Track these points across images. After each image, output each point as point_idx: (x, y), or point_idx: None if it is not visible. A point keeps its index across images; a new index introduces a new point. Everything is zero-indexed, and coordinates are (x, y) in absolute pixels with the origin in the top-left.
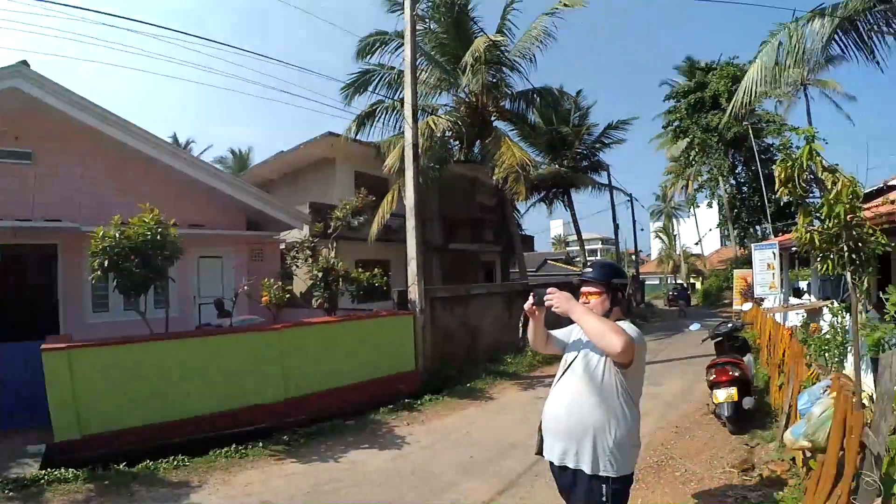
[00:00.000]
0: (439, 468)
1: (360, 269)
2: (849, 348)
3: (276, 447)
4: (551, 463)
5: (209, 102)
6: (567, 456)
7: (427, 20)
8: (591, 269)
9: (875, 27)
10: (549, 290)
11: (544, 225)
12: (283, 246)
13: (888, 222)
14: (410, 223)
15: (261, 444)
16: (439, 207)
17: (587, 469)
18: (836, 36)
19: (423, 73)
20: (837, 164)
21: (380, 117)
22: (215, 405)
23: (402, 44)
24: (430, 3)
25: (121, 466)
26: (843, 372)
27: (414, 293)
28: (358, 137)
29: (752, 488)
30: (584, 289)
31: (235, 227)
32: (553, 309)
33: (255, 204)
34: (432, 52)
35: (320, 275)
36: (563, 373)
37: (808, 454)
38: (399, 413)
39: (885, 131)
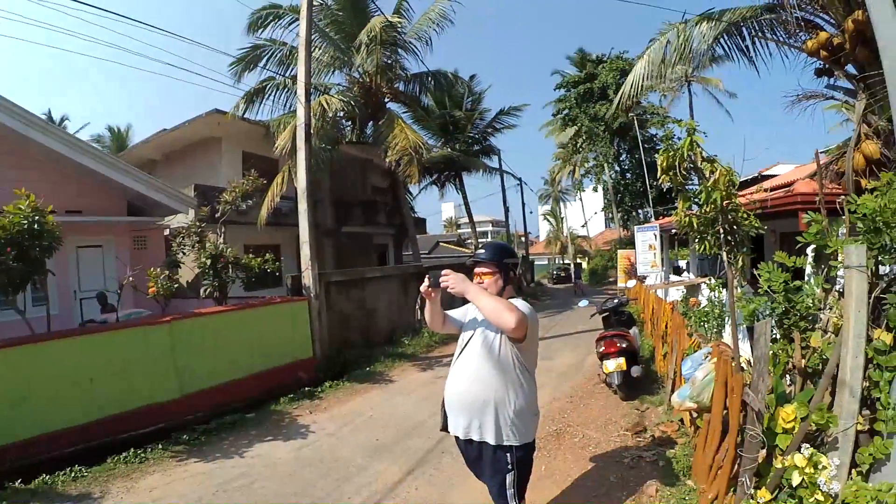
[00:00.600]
0: (347, 453)
1: (250, 255)
2: (727, 319)
3: (177, 447)
4: (457, 438)
5: (87, 76)
6: (471, 429)
7: None
8: (483, 251)
9: (759, 34)
10: (444, 271)
11: (437, 207)
12: (167, 232)
13: (761, 208)
14: (302, 206)
15: (160, 446)
16: (331, 189)
17: (491, 440)
18: (721, 38)
19: (318, 50)
20: (716, 155)
21: (270, 95)
22: (108, 408)
23: (297, 18)
24: None
25: (16, 484)
26: (722, 340)
27: (308, 278)
28: (246, 116)
29: (646, 448)
30: (477, 269)
31: (116, 212)
32: (448, 290)
33: (137, 186)
34: (327, 29)
35: (209, 262)
36: (462, 351)
37: (695, 414)
38: (301, 402)
39: (761, 126)
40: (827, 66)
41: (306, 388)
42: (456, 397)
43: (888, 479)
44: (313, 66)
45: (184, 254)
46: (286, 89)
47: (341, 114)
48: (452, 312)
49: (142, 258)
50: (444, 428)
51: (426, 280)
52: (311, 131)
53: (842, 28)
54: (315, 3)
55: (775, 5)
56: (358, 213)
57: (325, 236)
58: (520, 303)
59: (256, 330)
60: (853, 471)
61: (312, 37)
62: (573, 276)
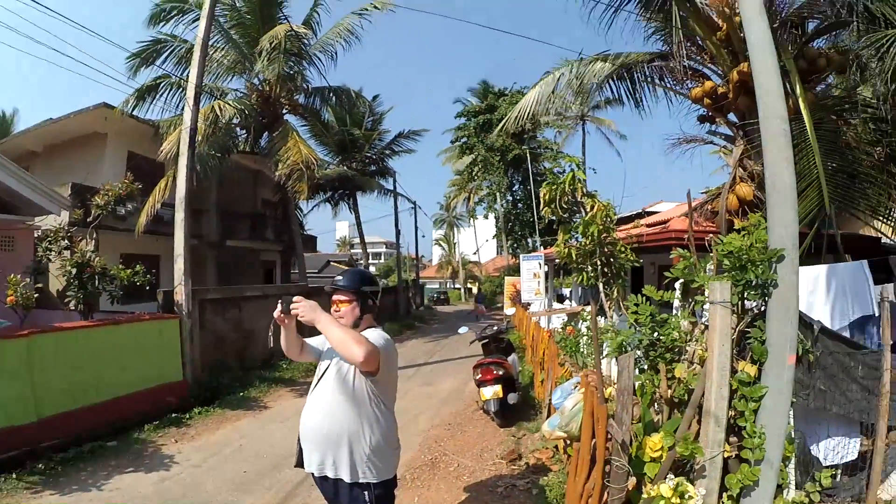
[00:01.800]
0: (212, 487)
1: (120, 266)
2: (604, 349)
3: (32, 478)
4: (312, 474)
5: None
6: (325, 465)
7: None
8: (341, 278)
9: (648, 79)
10: (295, 298)
11: (331, 226)
12: (38, 234)
13: (638, 242)
14: (179, 215)
15: (14, 476)
16: (218, 200)
17: (346, 477)
18: (611, 80)
19: (219, 51)
20: (596, 191)
21: (163, 93)
22: None
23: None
24: None
25: None
26: (602, 369)
27: (180, 294)
28: (137, 113)
29: (520, 476)
30: (334, 297)
31: None
32: (299, 318)
33: (7, 181)
34: (232, 31)
35: (74, 271)
36: (318, 381)
37: (568, 442)
38: (167, 429)
39: (649, 166)
40: (710, 113)
41: (174, 415)
42: (309, 432)
43: (757, 503)
44: (213, 69)
45: (50, 260)
46: (181, 89)
47: (236, 121)
48: (311, 340)
49: (10, 261)
50: (299, 464)
51: (279, 305)
52: (199, 137)
53: (727, 78)
54: (224, 2)
55: (667, 53)
56: (245, 226)
57: (208, 249)
58: (375, 334)
59: (123, 349)
60: (724, 494)
61: (215, 38)
62: (476, 300)
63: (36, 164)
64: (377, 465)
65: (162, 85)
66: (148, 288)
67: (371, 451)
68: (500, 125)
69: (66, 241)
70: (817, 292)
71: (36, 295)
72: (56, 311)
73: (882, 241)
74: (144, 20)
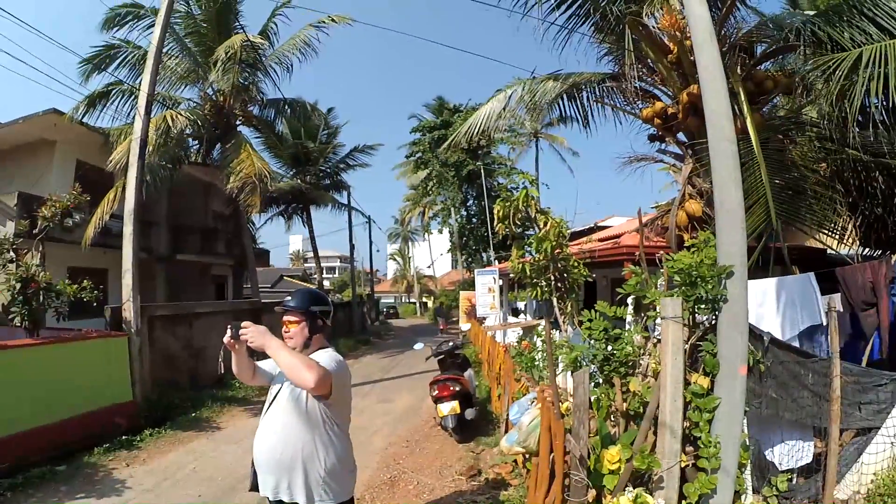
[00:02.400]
0: None
1: (66, 281)
2: (559, 361)
3: None
4: (267, 498)
5: None
6: (280, 490)
7: (189, 1)
8: (290, 298)
9: (598, 98)
10: (244, 323)
11: (284, 239)
12: None
13: (590, 257)
14: (128, 229)
15: None
16: (168, 212)
17: (302, 501)
18: (561, 98)
19: (173, 59)
20: (549, 207)
21: (115, 101)
22: None
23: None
24: None
25: None
26: (558, 383)
27: (129, 310)
28: (87, 121)
29: (480, 492)
30: (285, 318)
31: None
32: (249, 344)
33: None
34: (187, 39)
35: (19, 286)
36: (270, 404)
37: (526, 457)
38: (117, 452)
39: (601, 182)
40: (660, 132)
41: (124, 437)
42: (263, 455)
43: None
44: (167, 77)
45: None
46: (133, 97)
47: (188, 131)
48: (263, 364)
49: None
50: (254, 487)
51: (227, 331)
52: (150, 147)
53: (676, 99)
54: (179, 10)
55: (618, 74)
56: (196, 240)
57: (158, 263)
58: (326, 356)
59: (69, 368)
60: (684, 503)
61: (170, 45)
62: (437, 315)
63: None
64: (333, 487)
65: (114, 92)
66: (95, 304)
67: (326, 473)
68: (450, 139)
69: (11, 254)
70: (766, 304)
71: None
72: (1, 328)
73: (827, 252)
74: (98, 24)
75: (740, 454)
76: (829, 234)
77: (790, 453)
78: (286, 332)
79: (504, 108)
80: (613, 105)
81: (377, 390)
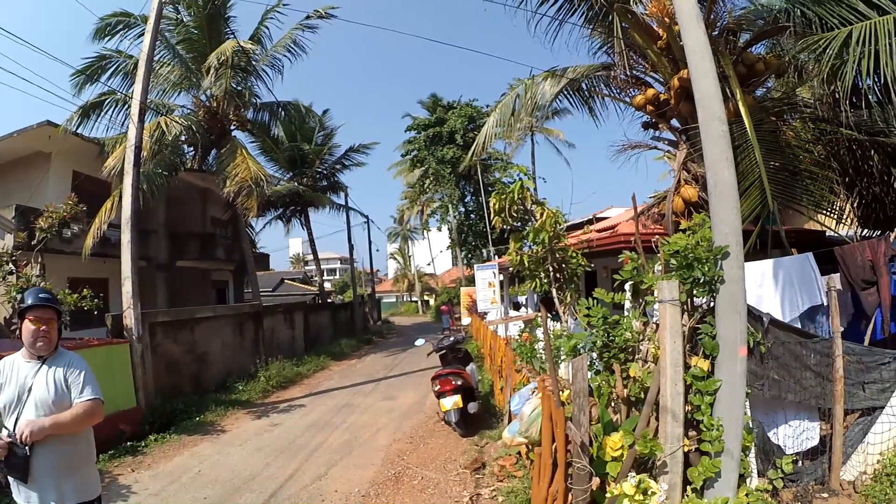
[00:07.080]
0: None
1: (68, 290)
2: (561, 351)
3: None
4: None
5: None
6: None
7: (179, 8)
8: (42, 294)
9: (596, 89)
10: (19, 434)
11: (284, 243)
12: None
13: (589, 247)
14: (126, 237)
15: None
16: (167, 220)
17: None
18: (565, 91)
19: (165, 67)
20: (545, 199)
21: (108, 110)
22: None
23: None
24: None
25: None
26: (560, 374)
27: (130, 318)
28: (82, 132)
29: (485, 484)
30: (42, 315)
31: None
32: (33, 440)
33: None
34: (179, 46)
35: (19, 297)
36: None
37: (529, 448)
38: (122, 458)
39: (599, 173)
40: (653, 119)
41: (129, 443)
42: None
43: (721, 493)
44: (160, 85)
45: None
46: (126, 106)
47: (183, 138)
48: None
49: None
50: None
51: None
52: (145, 154)
53: (668, 86)
54: (170, 17)
55: (610, 64)
56: (195, 246)
57: (157, 270)
58: (87, 375)
59: None
60: (688, 488)
61: (161, 53)
62: (440, 312)
63: None
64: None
65: (107, 102)
66: (97, 312)
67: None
68: (469, 156)
69: (11, 266)
70: (765, 285)
71: None
72: (2, 339)
73: (826, 233)
74: (89, 35)
75: (744, 437)
76: (828, 214)
77: (795, 435)
78: (45, 331)
79: (512, 114)
80: (606, 95)
81: (381, 388)
